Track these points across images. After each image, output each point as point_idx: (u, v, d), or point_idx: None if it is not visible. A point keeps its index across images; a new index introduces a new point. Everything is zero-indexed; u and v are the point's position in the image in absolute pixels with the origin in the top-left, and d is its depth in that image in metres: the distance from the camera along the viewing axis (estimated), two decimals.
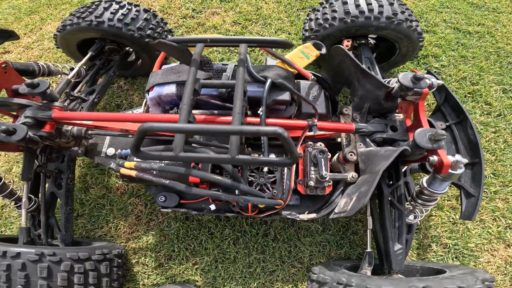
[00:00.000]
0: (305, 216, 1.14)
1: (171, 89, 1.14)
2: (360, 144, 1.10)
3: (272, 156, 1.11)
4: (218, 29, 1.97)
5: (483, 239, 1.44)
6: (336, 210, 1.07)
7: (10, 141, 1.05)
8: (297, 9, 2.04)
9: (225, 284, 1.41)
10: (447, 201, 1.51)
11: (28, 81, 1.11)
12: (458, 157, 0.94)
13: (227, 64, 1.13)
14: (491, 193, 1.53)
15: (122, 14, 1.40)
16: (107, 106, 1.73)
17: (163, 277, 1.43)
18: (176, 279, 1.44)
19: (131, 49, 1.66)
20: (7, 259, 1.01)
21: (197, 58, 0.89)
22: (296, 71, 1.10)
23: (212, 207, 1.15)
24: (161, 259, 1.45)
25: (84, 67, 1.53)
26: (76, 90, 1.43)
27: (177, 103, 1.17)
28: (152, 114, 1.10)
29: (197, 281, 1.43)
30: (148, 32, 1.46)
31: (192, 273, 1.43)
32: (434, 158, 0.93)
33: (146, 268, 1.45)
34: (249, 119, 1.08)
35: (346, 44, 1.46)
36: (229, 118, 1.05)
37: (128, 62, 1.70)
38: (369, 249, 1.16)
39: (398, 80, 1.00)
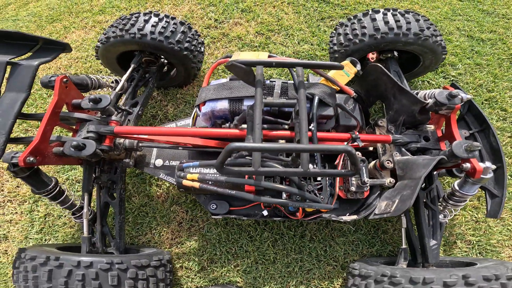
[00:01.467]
0: (348, 218, 1.31)
1: (224, 104, 1.29)
2: (396, 153, 1.28)
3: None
4: (242, 40, 2.13)
5: (503, 236, 1.63)
6: (376, 212, 1.25)
7: (80, 156, 1.19)
8: (317, 20, 2.21)
9: (265, 283, 1.57)
10: (470, 201, 1.70)
11: (92, 96, 1.23)
12: (488, 163, 1.12)
13: (275, 81, 1.30)
14: (509, 193, 1.72)
15: (163, 27, 1.51)
16: (143, 117, 1.88)
17: (206, 280, 1.58)
18: (219, 281, 1.59)
19: (165, 61, 1.80)
20: (81, 269, 1.09)
21: (261, 79, 1.06)
22: (339, 88, 1.28)
23: (265, 212, 1.32)
24: (203, 263, 1.60)
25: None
26: (121, 103, 1.57)
27: (227, 117, 1.33)
28: (213, 129, 1.25)
29: (238, 282, 1.59)
30: (186, 45, 1.60)
31: (233, 274, 1.59)
32: (467, 165, 1.11)
33: (189, 272, 1.60)
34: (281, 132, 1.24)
35: (371, 56, 1.64)
36: (282, 133, 1.22)
37: (162, 73, 1.83)
38: (404, 246, 1.34)
39: (434, 96, 1.18)
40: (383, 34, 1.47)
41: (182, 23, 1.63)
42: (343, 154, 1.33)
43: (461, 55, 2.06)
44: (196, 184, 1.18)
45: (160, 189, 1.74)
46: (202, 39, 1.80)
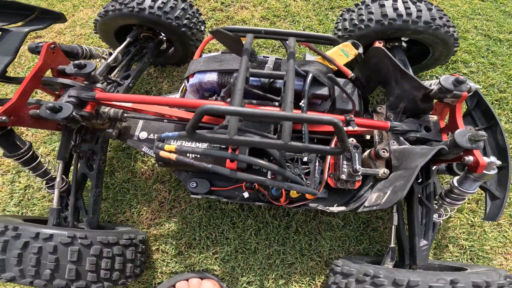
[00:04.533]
0: (335, 209, 1.21)
1: (212, 76, 1.21)
2: (393, 142, 1.17)
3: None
4: (247, 23, 2.05)
5: (498, 242, 1.50)
6: (366, 204, 1.14)
7: (55, 118, 1.12)
8: (326, 9, 2.11)
9: (244, 274, 1.47)
10: (467, 204, 1.57)
11: (76, 61, 1.18)
12: (492, 158, 1.01)
13: (268, 57, 1.21)
14: (509, 199, 1.59)
15: (162, 2, 1.47)
16: (136, 92, 1.81)
17: (182, 266, 1.49)
18: (195, 268, 1.50)
19: (164, 37, 1.74)
20: (39, 241, 1.00)
21: (249, 48, 0.97)
22: (336, 68, 1.18)
23: (246, 194, 1.22)
24: (181, 247, 1.51)
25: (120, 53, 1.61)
26: (111, 75, 1.51)
27: (216, 90, 1.25)
28: (195, 99, 1.17)
29: (216, 271, 1.49)
30: (185, 21, 1.54)
31: (211, 262, 1.50)
32: (470, 158, 1.00)
33: (165, 255, 1.51)
34: (271, 108, 1.15)
35: (378, 45, 1.54)
36: (271, 109, 1.13)
37: (160, 50, 1.78)
38: (392, 245, 1.23)
39: (439, 82, 1.06)
40: (391, 20, 1.36)
41: (183, 0, 1.58)
42: (336, 139, 1.24)
43: (475, 53, 1.93)
44: (173, 156, 1.10)
45: (145, 165, 1.66)
46: (203, 19, 1.73)
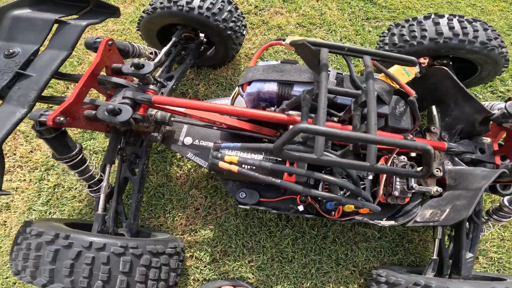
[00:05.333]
0: (386, 223, 1.21)
1: (272, 86, 1.18)
2: (448, 162, 1.19)
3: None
4: (282, 29, 2.02)
5: None
6: (418, 219, 1.16)
7: (113, 121, 1.07)
8: (362, 19, 2.11)
9: (278, 282, 1.46)
10: None
11: (135, 61, 1.12)
12: None
13: (330, 71, 1.19)
14: None
15: (211, 3, 1.41)
16: (173, 94, 1.75)
17: (216, 273, 1.45)
18: (229, 275, 1.46)
19: (204, 39, 1.69)
20: (92, 251, 0.94)
21: (327, 63, 0.95)
22: (398, 86, 1.18)
23: (301, 208, 1.20)
24: (216, 255, 1.47)
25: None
26: (157, 75, 1.45)
27: (273, 101, 1.22)
28: (259, 110, 1.14)
29: (250, 279, 1.47)
30: (231, 24, 1.48)
31: (246, 270, 1.47)
32: None
33: (199, 262, 1.46)
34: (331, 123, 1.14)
35: (423, 61, 1.55)
36: (331, 124, 1.12)
37: (199, 51, 1.72)
38: (435, 257, 1.26)
39: (505, 107, 1.09)
40: (446, 39, 1.34)
41: (229, 2, 1.52)
42: (391, 156, 1.24)
43: None
44: (235, 168, 1.07)
45: (180, 170, 1.61)
46: (245, 22, 1.69)
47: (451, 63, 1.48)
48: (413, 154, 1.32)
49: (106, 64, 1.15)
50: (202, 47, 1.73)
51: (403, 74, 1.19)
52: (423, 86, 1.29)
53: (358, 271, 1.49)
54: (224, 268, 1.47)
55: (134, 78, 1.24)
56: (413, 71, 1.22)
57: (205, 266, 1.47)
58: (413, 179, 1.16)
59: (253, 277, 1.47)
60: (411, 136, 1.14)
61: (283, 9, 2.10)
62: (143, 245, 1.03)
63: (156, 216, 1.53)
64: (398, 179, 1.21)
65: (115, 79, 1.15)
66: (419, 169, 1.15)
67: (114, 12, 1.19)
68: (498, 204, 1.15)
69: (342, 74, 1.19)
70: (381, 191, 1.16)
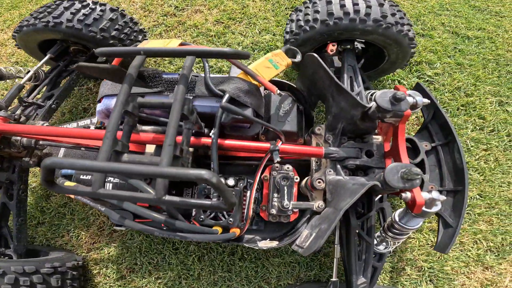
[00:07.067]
0: (264, 245, 0.98)
1: None
2: (330, 171, 0.93)
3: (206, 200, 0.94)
4: (199, 28, 1.77)
5: (460, 262, 1.28)
6: (297, 242, 0.91)
7: None
8: (286, 8, 1.81)
9: None
10: (428, 223, 1.34)
11: None
12: (434, 194, 0.77)
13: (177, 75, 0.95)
14: (475, 215, 1.35)
15: (84, 14, 1.22)
16: (74, 110, 1.56)
17: None
18: None
19: None
20: None
21: (133, 72, 0.72)
22: (260, 84, 0.92)
23: (156, 233, 0.99)
24: (123, 271, 1.33)
25: (45, 69, 1.36)
26: (33, 95, 1.27)
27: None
28: (86, 130, 0.93)
29: None
30: (113, 33, 1.28)
31: (154, 287, 1.31)
32: (407, 195, 0.76)
33: (107, 279, 1.33)
34: (204, 139, 0.91)
35: (331, 48, 1.25)
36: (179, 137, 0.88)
37: (97, 63, 1.52)
38: (334, 278, 1.02)
39: (374, 99, 0.81)
40: (336, 20, 1.08)
41: (112, 10, 1.32)
42: (270, 166, 1.00)
43: (441, 53, 1.64)
44: (72, 195, 0.87)
45: None
46: (141, 27, 1.46)
47: (358, 47, 1.19)
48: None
49: None
50: (103, 58, 1.51)
51: (269, 67, 0.93)
52: (305, 79, 1.03)
53: None
54: (132, 285, 1.33)
55: None
56: (284, 62, 0.96)
57: (113, 283, 1.34)
58: (286, 195, 0.91)
59: None
60: (280, 143, 0.89)
61: (204, 7, 1.85)
62: (7, 266, 1.00)
63: (60, 235, 1.41)
64: (275, 195, 0.97)
65: None
66: None
67: None
68: (390, 219, 0.88)
69: (197, 76, 0.94)
70: (250, 212, 0.93)
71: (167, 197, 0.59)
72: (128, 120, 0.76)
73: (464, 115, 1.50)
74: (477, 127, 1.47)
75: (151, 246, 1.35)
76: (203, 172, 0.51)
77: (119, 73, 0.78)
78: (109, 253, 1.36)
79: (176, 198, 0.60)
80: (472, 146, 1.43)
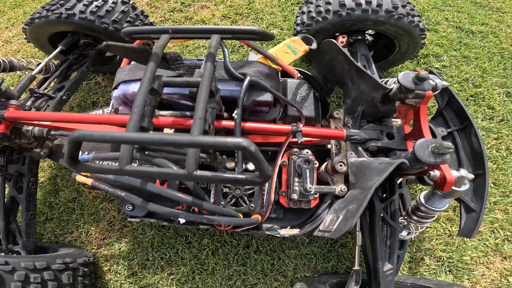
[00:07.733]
0: (286, 232, 0.96)
1: (138, 87, 0.95)
2: (351, 153, 0.92)
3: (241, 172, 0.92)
4: (206, 23, 1.78)
5: (479, 252, 1.27)
6: (321, 227, 0.90)
7: None
8: (292, 3, 1.84)
9: None
10: (444, 212, 1.33)
11: None
12: (463, 172, 0.76)
13: (203, 60, 0.95)
14: (490, 204, 1.35)
15: (96, 6, 1.22)
16: (82, 104, 1.55)
17: (137, 287, 1.26)
18: None
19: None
20: None
21: (159, 52, 0.71)
22: (280, 68, 0.92)
23: (182, 220, 0.97)
24: (134, 268, 1.29)
25: (56, 62, 1.35)
26: (43, 87, 1.25)
27: None
28: (104, 115, 0.92)
29: None
30: (125, 25, 1.28)
31: (167, 283, 1.26)
32: (436, 173, 0.75)
33: (118, 276, 1.29)
34: (225, 122, 0.89)
35: (341, 40, 1.27)
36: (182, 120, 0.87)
37: (106, 57, 1.51)
38: (356, 267, 0.99)
39: (397, 80, 0.81)
40: (349, 11, 1.11)
41: (124, 2, 1.32)
42: (288, 151, 0.98)
43: (447, 46, 1.67)
44: (89, 181, 0.85)
45: None
46: (150, 20, 1.46)
47: (368, 38, 1.20)
48: (329, 146, 1.06)
49: None
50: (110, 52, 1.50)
51: (288, 52, 0.93)
52: (322, 66, 1.04)
53: (289, 281, 1.26)
54: (144, 282, 1.28)
55: None
56: (301, 49, 0.96)
57: (124, 280, 1.29)
58: (308, 178, 0.90)
59: None
60: (300, 125, 0.88)
61: (211, 2, 1.86)
62: (16, 261, 0.97)
63: (69, 231, 1.36)
64: (296, 179, 0.95)
65: None
66: None
67: None
68: (415, 202, 0.87)
69: (217, 61, 0.94)
70: (272, 196, 0.91)
71: (199, 172, 0.58)
72: (151, 100, 0.75)
73: (474, 105, 1.51)
74: (487, 116, 1.49)
75: (163, 240, 1.31)
76: (241, 140, 0.50)
77: (144, 53, 0.77)
78: (120, 249, 1.32)
79: (207, 173, 0.58)
80: (483, 135, 1.44)
